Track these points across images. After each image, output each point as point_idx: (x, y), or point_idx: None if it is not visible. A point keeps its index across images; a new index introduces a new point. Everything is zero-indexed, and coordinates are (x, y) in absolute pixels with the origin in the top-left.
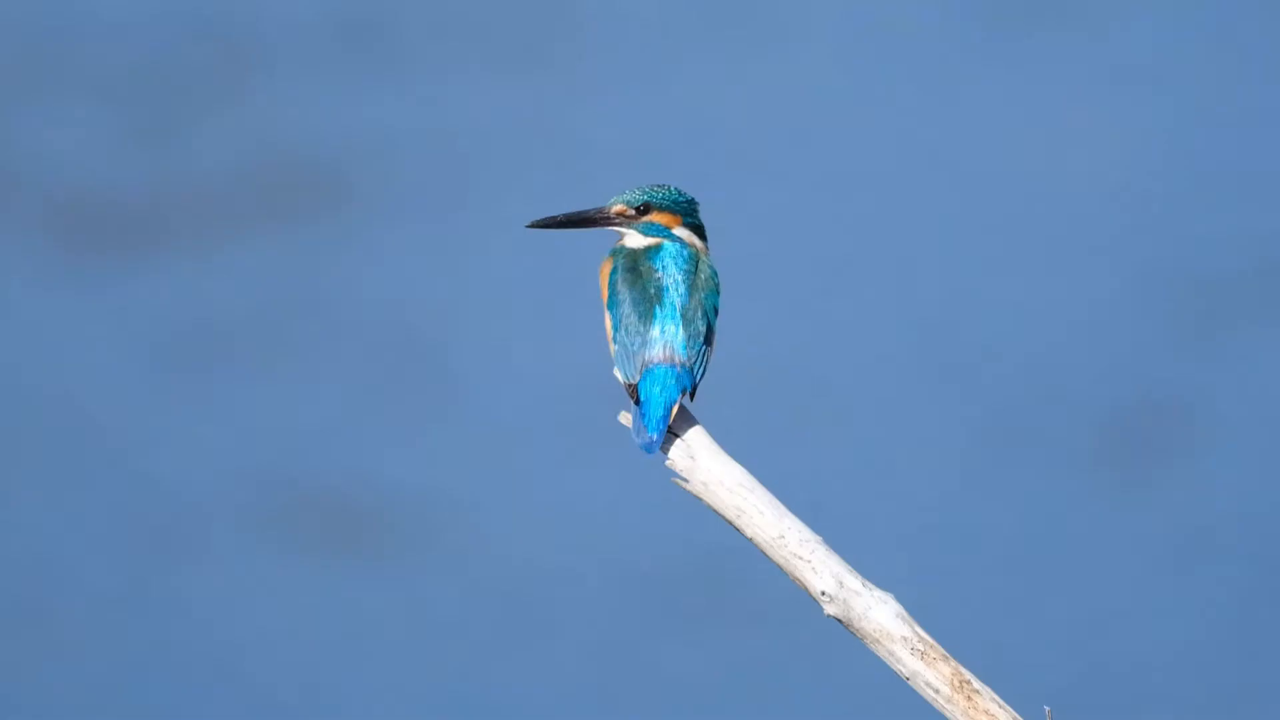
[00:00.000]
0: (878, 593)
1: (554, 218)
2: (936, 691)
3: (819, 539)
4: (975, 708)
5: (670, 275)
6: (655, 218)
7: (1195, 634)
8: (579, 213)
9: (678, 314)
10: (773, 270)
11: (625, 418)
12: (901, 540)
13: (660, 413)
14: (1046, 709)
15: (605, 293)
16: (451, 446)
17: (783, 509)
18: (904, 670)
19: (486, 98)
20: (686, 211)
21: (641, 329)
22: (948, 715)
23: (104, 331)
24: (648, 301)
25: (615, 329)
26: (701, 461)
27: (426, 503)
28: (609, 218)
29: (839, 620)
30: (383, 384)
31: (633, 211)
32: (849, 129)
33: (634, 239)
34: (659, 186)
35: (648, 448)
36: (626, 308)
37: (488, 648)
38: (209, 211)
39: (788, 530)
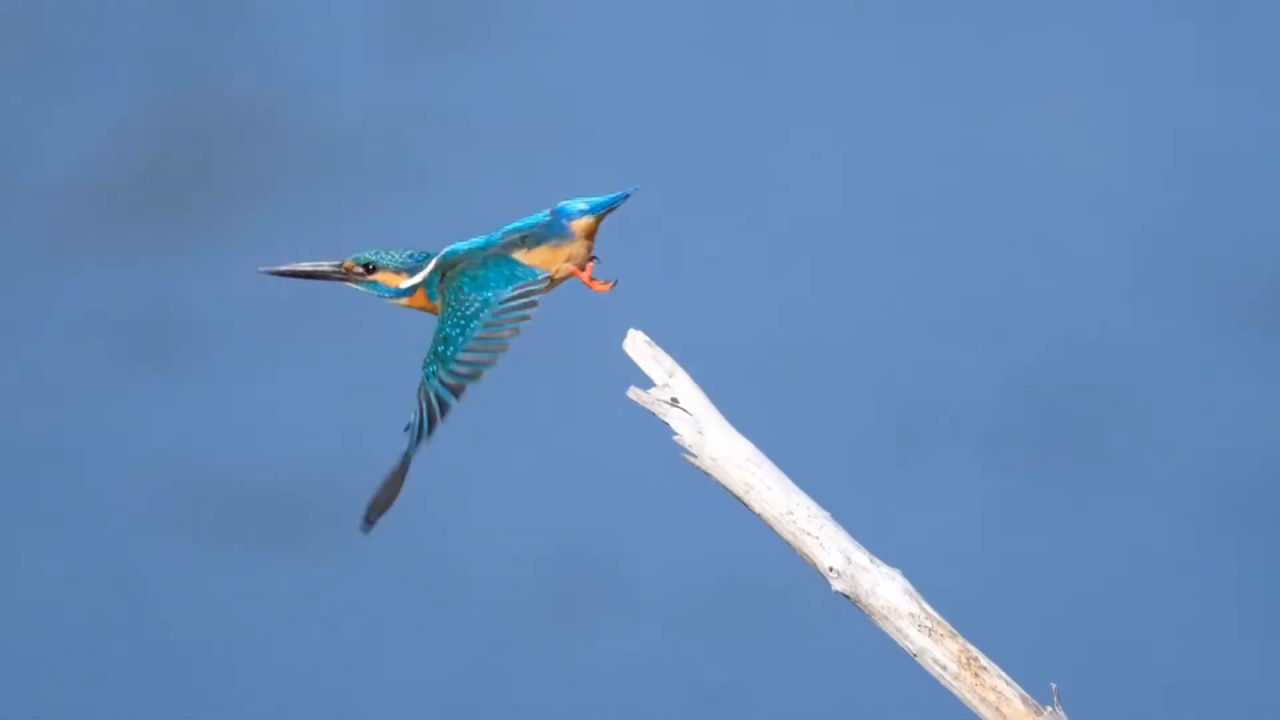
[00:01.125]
0: (885, 569)
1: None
2: (944, 668)
3: (827, 515)
4: (982, 684)
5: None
6: (381, 278)
7: (1199, 607)
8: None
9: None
10: (777, 247)
11: (636, 393)
12: (909, 517)
13: None
14: (1053, 685)
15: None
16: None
17: (790, 484)
18: (911, 647)
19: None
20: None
21: None
22: (955, 692)
23: (55, 321)
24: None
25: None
26: (710, 437)
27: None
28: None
29: (846, 596)
30: (336, 371)
31: (360, 269)
32: (837, 97)
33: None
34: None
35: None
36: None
37: (443, 643)
38: (182, 192)
39: (796, 506)
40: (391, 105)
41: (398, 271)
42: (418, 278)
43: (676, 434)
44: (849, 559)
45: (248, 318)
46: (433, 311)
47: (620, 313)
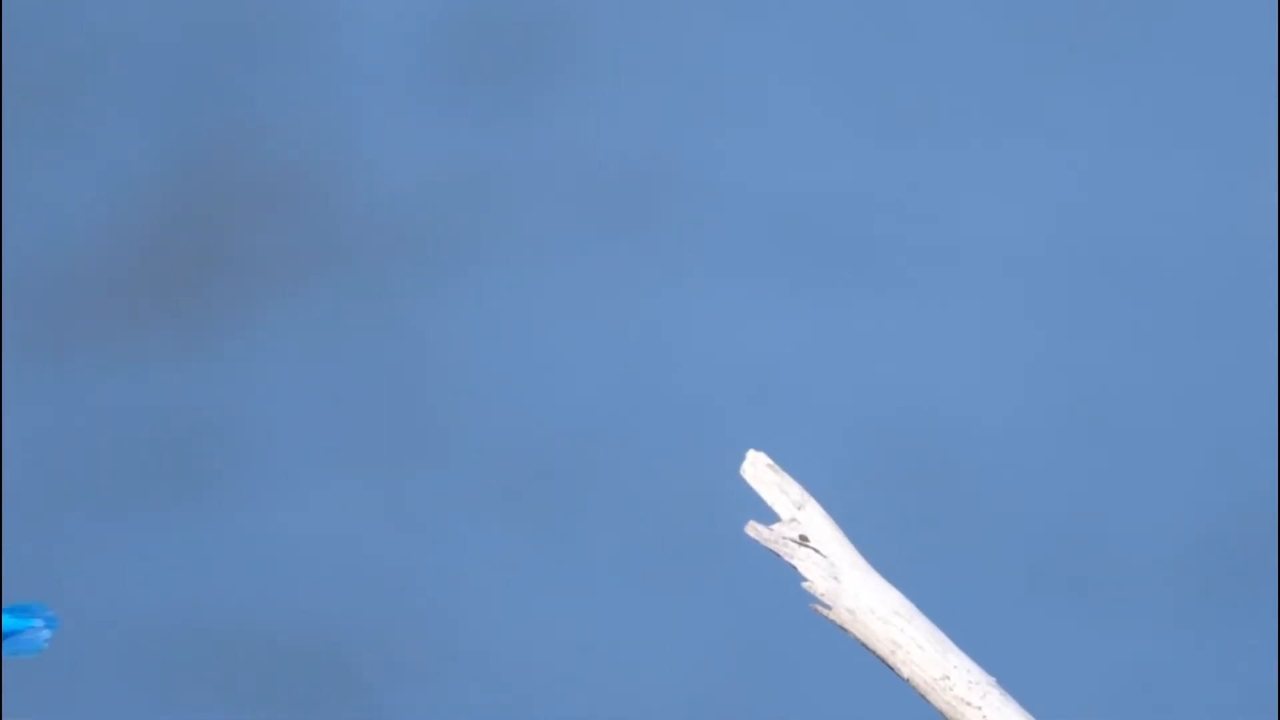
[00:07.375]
0: None
1: None
2: None
3: (991, 680)
4: None
5: None
6: None
7: None
8: None
9: None
10: (927, 333)
11: (755, 530)
12: (1093, 683)
13: None
14: None
15: None
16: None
17: (947, 643)
18: None
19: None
20: None
21: None
22: None
23: (36, 438)
24: None
25: None
26: (848, 584)
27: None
28: None
29: None
30: (393, 499)
31: None
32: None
33: None
34: None
35: None
36: None
37: None
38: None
39: (953, 669)
40: (456, 169)
41: None
42: None
43: (806, 580)
44: None
45: (282, 436)
46: None
47: (737, 430)
